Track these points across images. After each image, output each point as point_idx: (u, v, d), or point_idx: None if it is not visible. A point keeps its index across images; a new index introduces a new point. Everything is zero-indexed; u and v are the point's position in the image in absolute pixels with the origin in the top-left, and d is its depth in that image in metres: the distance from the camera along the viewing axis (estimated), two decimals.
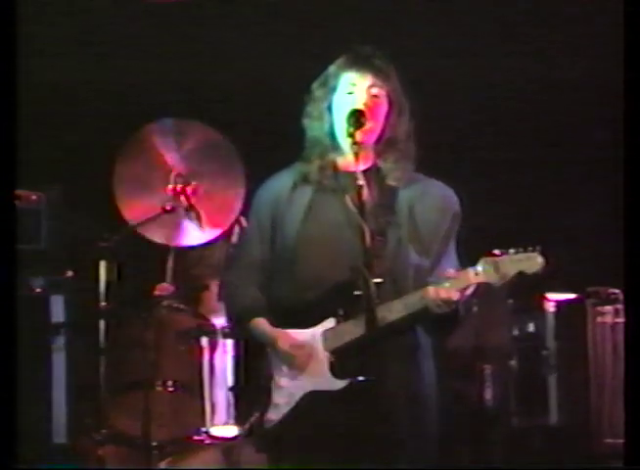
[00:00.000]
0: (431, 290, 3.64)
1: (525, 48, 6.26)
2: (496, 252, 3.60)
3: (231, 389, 4.32)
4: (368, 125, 3.75)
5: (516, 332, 6.07)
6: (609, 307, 5.66)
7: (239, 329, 4.05)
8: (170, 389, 5.28)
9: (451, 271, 3.67)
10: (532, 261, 3.58)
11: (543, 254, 3.55)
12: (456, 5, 6.12)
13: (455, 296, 3.63)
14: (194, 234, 5.39)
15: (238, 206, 5.24)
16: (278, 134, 4.71)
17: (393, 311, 3.66)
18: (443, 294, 3.63)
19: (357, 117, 3.74)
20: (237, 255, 4.14)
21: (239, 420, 4.43)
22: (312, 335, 3.77)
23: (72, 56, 6.06)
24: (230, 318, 4.19)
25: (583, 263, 5.96)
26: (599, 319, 5.67)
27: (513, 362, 6.03)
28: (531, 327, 5.98)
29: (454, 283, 3.64)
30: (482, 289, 3.68)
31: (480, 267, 3.64)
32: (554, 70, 6.35)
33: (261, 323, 3.87)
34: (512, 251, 3.59)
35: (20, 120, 3.81)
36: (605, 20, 5.67)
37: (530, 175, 6.42)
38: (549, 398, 5.80)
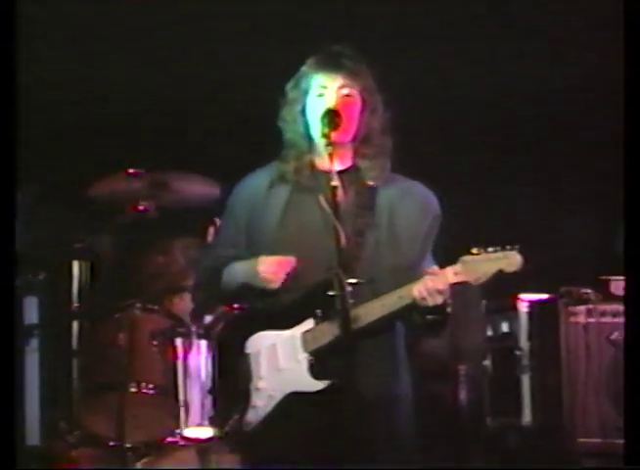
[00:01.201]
0: (414, 286, 3.61)
1: (517, 46, 6.26)
2: (474, 250, 3.59)
3: (209, 391, 4.32)
4: (342, 125, 3.73)
5: (490, 332, 6.08)
6: (581, 308, 5.64)
7: (211, 290, 3.97)
8: (144, 390, 5.26)
9: (433, 268, 3.67)
10: (511, 260, 3.56)
11: (521, 252, 3.55)
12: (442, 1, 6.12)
13: (441, 285, 3.62)
14: None
15: None
16: (257, 132, 4.72)
17: (370, 312, 3.64)
18: (430, 284, 3.61)
19: (331, 117, 3.73)
20: (210, 254, 4.08)
21: (216, 422, 4.37)
22: (291, 336, 3.75)
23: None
24: (201, 301, 4.17)
25: (557, 263, 5.98)
26: (572, 319, 5.66)
27: (487, 362, 6.04)
28: (505, 327, 5.96)
29: (434, 279, 3.63)
30: (457, 289, 3.67)
31: (459, 266, 3.63)
32: (541, 69, 6.36)
33: (235, 264, 3.84)
34: (490, 249, 3.58)
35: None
36: (605, 21, 5.69)
37: (509, 175, 6.46)
38: (522, 397, 5.78)
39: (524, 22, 6.14)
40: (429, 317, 3.69)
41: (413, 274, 3.71)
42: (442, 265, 3.72)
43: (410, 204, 3.83)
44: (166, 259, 5.81)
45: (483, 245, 3.60)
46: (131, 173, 5.26)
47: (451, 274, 3.63)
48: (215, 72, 6.18)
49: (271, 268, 3.75)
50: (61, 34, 6.00)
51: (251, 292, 3.82)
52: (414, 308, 3.66)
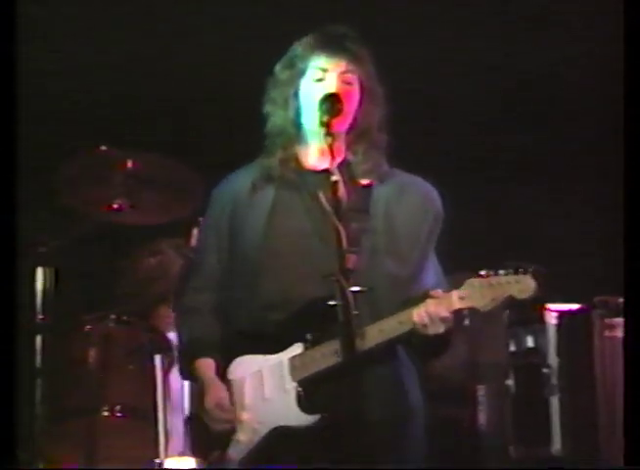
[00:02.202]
0: (415, 310, 3.43)
1: (523, 40, 6.14)
2: (483, 273, 3.44)
3: (188, 419, 3.99)
4: (343, 113, 3.53)
5: (513, 347, 5.83)
6: (618, 320, 5.40)
7: (183, 365, 3.80)
8: (118, 414, 5.03)
9: (437, 291, 3.47)
10: (523, 285, 3.40)
11: (536, 275, 3.41)
12: None
13: (444, 312, 3.40)
14: None
15: None
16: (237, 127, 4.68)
17: (368, 339, 3.42)
18: (432, 309, 3.40)
19: (332, 103, 3.51)
20: (191, 268, 3.86)
21: (196, 453, 4.07)
22: (278, 362, 3.54)
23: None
24: (178, 345, 3.90)
25: (588, 271, 5.91)
26: (607, 333, 5.45)
27: (510, 382, 5.79)
28: (530, 342, 5.72)
29: (437, 305, 3.44)
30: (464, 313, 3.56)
31: (465, 290, 3.44)
32: (551, 65, 6.25)
33: (204, 366, 3.65)
34: (502, 272, 3.43)
35: None
36: (604, 19, 5.48)
37: (525, 177, 6.40)
38: (551, 422, 5.54)
39: (525, 20, 6.08)
40: (428, 346, 3.52)
41: (414, 284, 3.59)
42: (447, 271, 3.66)
43: (409, 202, 3.66)
44: (161, 260, 5.64)
45: (497, 256, 3.54)
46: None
47: (456, 299, 3.44)
48: (204, 65, 6.11)
49: (216, 410, 3.59)
50: (60, 34, 5.92)
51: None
52: (413, 334, 3.47)
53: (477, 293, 3.43)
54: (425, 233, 3.65)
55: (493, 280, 3.42)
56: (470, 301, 3.44)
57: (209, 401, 3.57)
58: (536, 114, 6.30)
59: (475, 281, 3.44)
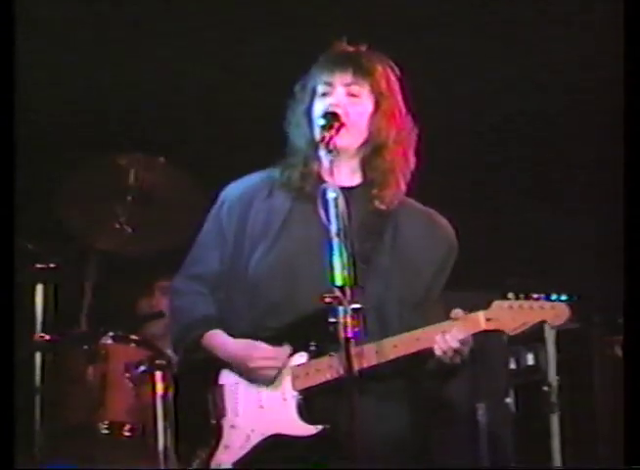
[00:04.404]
0: (435, 331, 3.37)
1: (530, 67, 6.15)
2: (510, 296, 3.37)
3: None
4: (344, 129, 3.51)
5: (513, 365, 5.82)
6: (618, 338, 5.39)
7: (184, 348, 3.70)
8: (118, 432, 4.93)
9: (459, 312, 3.39)
10: (558, 311, 3.35)
11: (571, 303, 3.38)
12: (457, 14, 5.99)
13: (465, 334, 3.36)
14: None
15: None
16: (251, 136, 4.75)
17: (381, 353, 3.38)
18: (455, 333, 3.33)
19: (329, 120, 3.50)
20: (189, 260, 3.80)
21: (182, 459, 4.09)
22: (280, 370, 3.50)
23: None
24: (177, 328, 3.80)
25: (588, 290, 5.62)
26: (607, 351, 5.46)
27: (509, 400, 5.76)
28: (530, 359, 5.73)
29: (460, 326, 3.38)
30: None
31: (492, 312, 3.38)
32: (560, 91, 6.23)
33: (218, 335, 3.57)
34: (534, 296, 3.37)
35: None
36: (605, 30, 5.48)
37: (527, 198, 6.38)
38: (551, 440, 5.51)
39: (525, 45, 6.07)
40: (445, 368, 3.46)
41: (422, 310, 3.55)
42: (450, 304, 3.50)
43: (424, 233, 3.64)
44: (148, 302, 5.77)
45: (491, 282, 3.57)
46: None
47: (483, 320, 3.39)
48: (215, 74, 6.07)
49: (265, 363, 3.51)
50: (60, 48, 5.90)
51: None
52: (431, 355, 3.41)
53: (506, 316, 3.38)
54: (437, 265, 3.62)
55: (525, 304, 3.37)
56: (498, 323, 3.39)
57: (256, 359, 3.48)
58: (536, 135, 6.29)
59: (504, 303, 3.38)
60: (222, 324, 3.58)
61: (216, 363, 3.57)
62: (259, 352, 3.49)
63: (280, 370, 3.47)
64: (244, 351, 3.51)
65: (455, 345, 3.35)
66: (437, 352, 3.35)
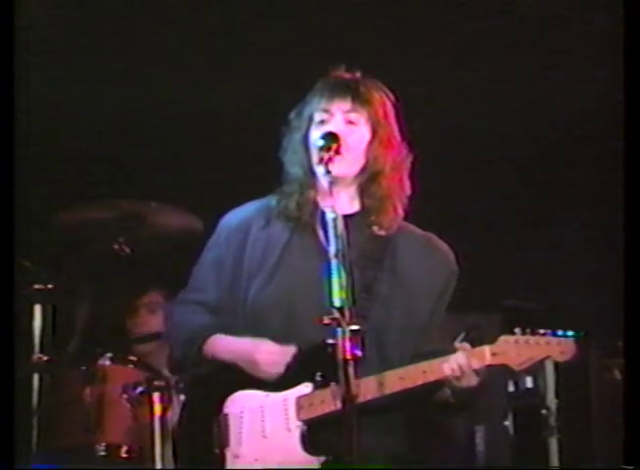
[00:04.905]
0: (445, 363, 3.36)
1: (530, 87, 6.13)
2: (517, 330, 3.35)
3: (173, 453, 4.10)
4: (342, 156, 3.47)
5: (511, 388, 5.78)
6: (617, 360, 5.34)
7: (187, 361, 3.67)
8: (115, 454, 4.90)
9: (465, 345, 3.39)
10: (565, 347, 3.36)
11: (578, 339, 3.39)
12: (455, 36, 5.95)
13: (476, 364, 3.32)
14: None
15: None
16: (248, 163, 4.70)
17: (387, 385, 3.36)
18: (464, 362, 3.31)
19: (328, 140, 3.47)
20: (187, 288, 3.79)
21: None
22: (283, 400, 3.47)
23: None
24: (175, 360, 3.83)
25: (587, 313, 5.79)
26: (606, 374, 5.41)
27: (508, 423, 5.75)
28: (529, 382, 5.66)
29: (466, 359, 3.38)
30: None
31: (499, 347, 3.36)
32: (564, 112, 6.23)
33: (219, 338, 3.56)
34: (541, 331, 3.35)
35: None
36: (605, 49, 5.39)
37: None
38: (549, 464, 5.46)
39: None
40: (458, 399, 3.44)
41: (423, 336, 3.54)
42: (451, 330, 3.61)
43: (424, 258, 3.62)
44: (134, 321, 5.78)
45: (490, 305, 3.70)
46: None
47: (489, 355, 3.37)
48: (214, 99, 6.05)
49: (271, 357, 3.50)
50: (60, 76, 5.89)
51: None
52: (439, 387, 3.41)
53: (512, 351, 3.36)
54: (438, 290, 3.61)
55: (532, 339, 3.36)
56: (503, 357, 3.36)
57: (264, 357, 3.46)
58: (535, 159, 6.29)
59: (510, 338, 3.36)
60: (221, 330, 3.57)
61: (223, 388, 3.56)
62: (265, 346, 3.47)
63: (284, 371, 3.44)
64: (249, 344, 3.49)
65: (468, 370, 3.33)
66: (450, 377, 3.32)
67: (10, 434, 3.57)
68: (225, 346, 3.55)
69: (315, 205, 3.59)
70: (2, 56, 3.66)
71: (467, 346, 3.37)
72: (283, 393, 3.46)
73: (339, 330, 3.12)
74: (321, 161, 3.41)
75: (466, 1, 5.65)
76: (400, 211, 3.61)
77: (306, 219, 3.58)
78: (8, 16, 3.71)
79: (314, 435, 3.41)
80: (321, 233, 3.45)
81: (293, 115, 3.66)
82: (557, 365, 5.42)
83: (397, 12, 5.76)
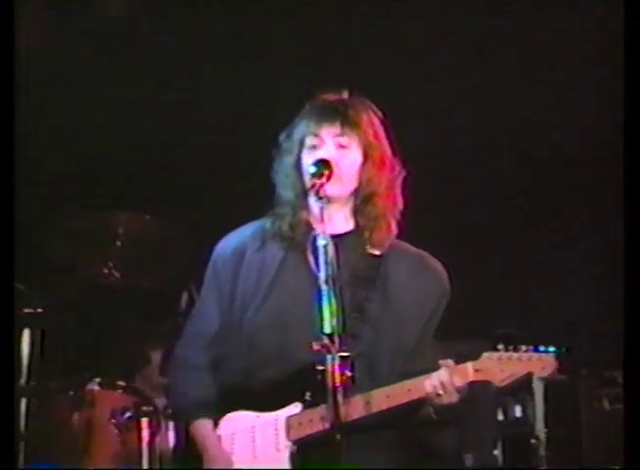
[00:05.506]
0: (427, 380, 3.38)
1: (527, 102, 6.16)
2: (500, 347, 3.38)
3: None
4: (335, 178, 3.49)
5: (500, 416, 5.80)
6: (607, 390, 5.38)
7: (180, 425, 3.77)
8: None
9: (448, 362, 3.40)
10: (545, 363, 3.39)
11: (558, 354, 3.38)
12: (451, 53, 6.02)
13: (459, 382, 3.35)
14: None
15: None
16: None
17: (374, 403, 3.37)
18: (446, 378, 3.32)
19: (320, 168, 3.48)
20: (190, 322, 3.81)
21: None
22: (274, 420, 3.48)
23: None
24: (173, 404, 3.91)
25: (577, 342, 5.63)
26: (595, 404, 5.39)
27: (497, 452, 5.75)
28: (518, 411, 5.68)
29: (449, 376, 3.39)
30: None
31: (481, 363, 3.39)
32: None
33: (202, 427, 3.59)
34: (523, 348, 3.35)
35: None
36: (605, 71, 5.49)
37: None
38: None
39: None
40: (440, 416, 3.45)
41: (412, 357, 3.53)
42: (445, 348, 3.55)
43: (416, 278, 3.62)
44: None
45: (482, 331, 3.68)
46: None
47: (471, 371, 3.40)
48: (210, 123, 6.12)
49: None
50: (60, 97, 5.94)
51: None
52: (424, 404, 3.41)
53: (495, 367, 3.39)
54: (429, 310, 3.60)
55: (514, 356, 3.38)
56: (486, 374, 3.39)
57: (209, 458, 3.50)
58: (527, 182, 6.34)
59: (493, 355, 3.39)
60: (215, 408, 3.59)
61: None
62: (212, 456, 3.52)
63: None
64: (217, 458, 3.53)
65: (449, 387, 3.35)
66: (430, 395, 3.34)
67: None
68: (202, 437, 3.58)
69: (308, 225, 3.59)
70: (2, 56, 3.66)
71: (450, 362, 3.38)
72: (274, 413, 3.47)
73: (328, 357, 3.13)
74: (313, 186, 3.42)
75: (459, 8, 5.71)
76: (394, 228, 3.62)
77: (300, 239, 3.58)
78: (8, 16, 3.69)
79: (303, 454, 3.42)
80: (311, 259, 3.42)
81: (283, 137, 3.66)
82: (546, 395, 5.44)
83: (385, 25, 5.82)
